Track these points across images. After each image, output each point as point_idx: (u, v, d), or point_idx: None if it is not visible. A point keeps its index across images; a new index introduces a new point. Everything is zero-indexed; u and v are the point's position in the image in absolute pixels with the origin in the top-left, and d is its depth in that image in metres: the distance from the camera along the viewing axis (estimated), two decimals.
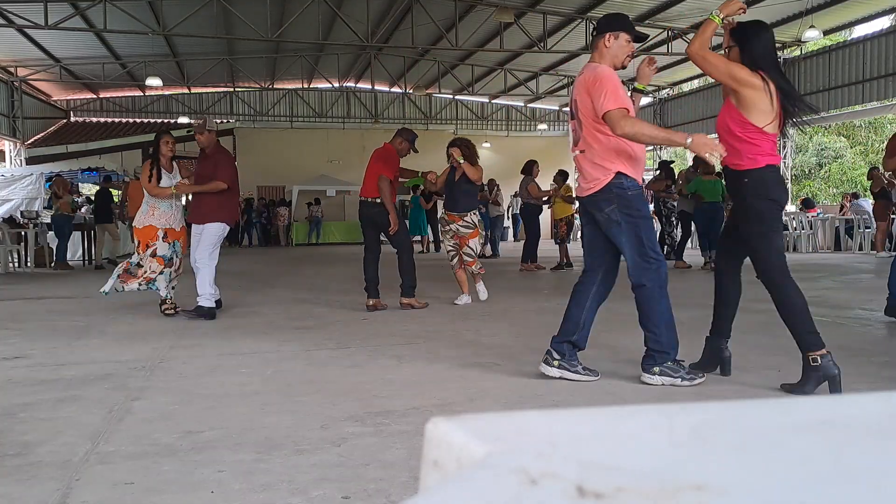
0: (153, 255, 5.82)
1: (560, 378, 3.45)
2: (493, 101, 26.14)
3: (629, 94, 3.52)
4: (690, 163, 11.30)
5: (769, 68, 3.27)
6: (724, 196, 10.87)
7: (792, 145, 19.66)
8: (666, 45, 17.27)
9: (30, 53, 18.00)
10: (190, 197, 6.35)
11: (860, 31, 17.43)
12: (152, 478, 2.23)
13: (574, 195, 12.38)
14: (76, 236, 13.18)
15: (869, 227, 14.15)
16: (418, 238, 16.14)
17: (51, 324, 5.69)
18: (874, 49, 15.53)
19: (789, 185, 18.76)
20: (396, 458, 2.37)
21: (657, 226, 10.85)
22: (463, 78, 22.69)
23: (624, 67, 3.48)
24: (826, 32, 16.20)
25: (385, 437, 2.60)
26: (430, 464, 0.42)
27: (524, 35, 17.11)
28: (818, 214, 15.96)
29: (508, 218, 20.66)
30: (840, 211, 16.40)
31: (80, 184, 17.32)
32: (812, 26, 14.57)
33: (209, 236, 5.82)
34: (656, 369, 3.35)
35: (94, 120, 23.44)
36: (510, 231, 22.56)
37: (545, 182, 11.75)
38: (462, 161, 6.44)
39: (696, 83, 22.60)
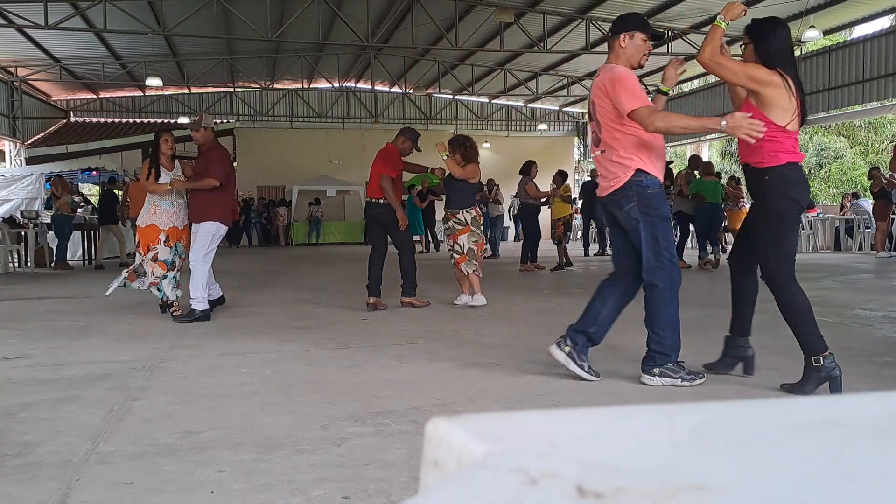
0: (154, 259, 5.80)
1: (563, 365, 3.44)
2: (493, 101, 26.13)
3: (653, 96, 3.51)
4: (689, 163, 11.30)
5: (786, 65, 3.23)
6: (723, 197, 10.90)
7: None
8: (666, 46, 17.26)
9: (30, 53, 18.01)
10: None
11: (860, 31, 17.44)
12: (152, 478, 2.23)
13: (572, 195, 12.41)
14: (76, 236, 13.19)
15: (869, 227, 14.16)
16: (417, 238, 16.14)
17: (51, 324, 5.69)
18: (874, 49, 15.53)
19: None
20: (396, 458, 2.37)
21: None
22: (463, 78, 22.69)
23: (641, 67, 3.47)
24: (826, 32, 16.19)
25: (385, 437, 2.60)
26: (430, 464, 0.42)
27: (524, 35, 17.11)
28: (818, 214, 15.97)
29: (510, 218, 20.66)
30: (840, 211, 16.40)
31: (80, 184, 17.31)
32: (812, 26, 14.57)
33: (202, 236, 5.78)
34: (656, 370, 3.34)
35: (94, 120, 23.45)
36: (510, 231, 22.56)
37: (545, 182, 11.75)
38: (446, 157, 6.36)
39: (696, 83, 22.59)
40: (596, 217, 14.08)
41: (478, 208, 6.69)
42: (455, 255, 6.49)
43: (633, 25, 3.45)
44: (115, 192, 12.78)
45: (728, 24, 3.28)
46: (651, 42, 3.49)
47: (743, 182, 17.34)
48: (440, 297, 6.96)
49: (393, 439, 2.58)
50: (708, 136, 21.59)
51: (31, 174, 14.84)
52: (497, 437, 0.40)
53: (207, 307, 5.76)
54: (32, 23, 14.50)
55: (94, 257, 12.93)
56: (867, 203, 14.33)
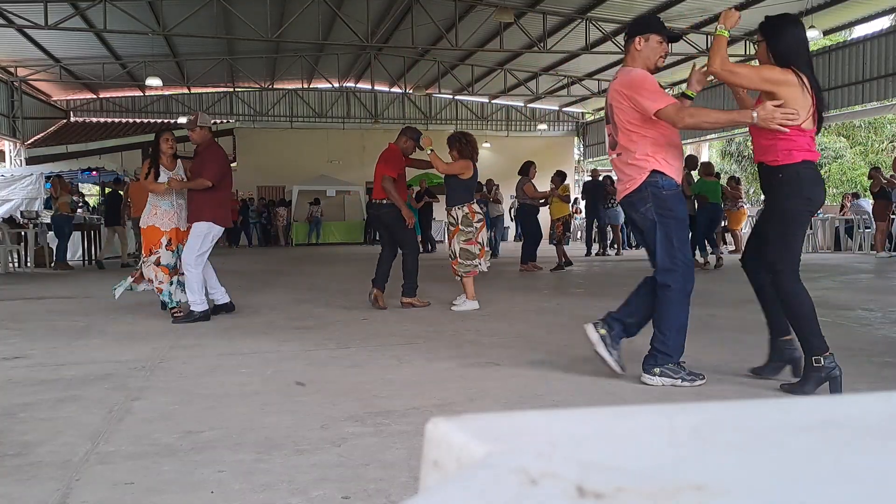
0: (157, 263, 5.79)
1: (594, 346, 3.46)
2: (493, 102, 26.14)
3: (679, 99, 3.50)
4: (686, 164, 11.30)
5: (800, 63, 3.19)
6: (722, 197, 10.91)
7: None
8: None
9: (30, 53, 18.01)
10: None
11: (860, 31, 17.44)
12: (152, 478, 2.23)
13: (570, 195, 12.40)
14: (76, 236, 13.19)
15: (869, 228, 14.16)
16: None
17: (51, 324, 5.69)
18: (874, 49, 15.53)
19: None
20: (396, 458, 2.37)
21: None
22: (463, 78, 22.70)
23: (658, 69, 3.46)
24: (826, 32, 16.19)
25: (385, 437, 2.60)
26: (430, 464, 0.42)
27: (524, 35, 17.11)
28: (818, 214, 15.95)
29: (511, 219, 20.66)
30: (840, 211, 16.41)
31: (79, 184, 17.32)
32: (812, 26, 14.55)
33: (194, 236, 5.72)
34: (657, 370, 3.34)
35: (94, 120, 23.45)
36: (510, 231, 22.56)
37: (545, 183, 11.75)
38: (430, 151, 6.26)
39: None
40: (599, 217, 14.09)
41: (472, 205, 6.33)
42: (450, 257, 6.39)
43: (647, 28, 3.44)
44: (120, 192, 12.79)
45: (729, 32, 3.27)
46: (667, 43, 3.48)
47: (743, 182, 17.31)
48: (440, 297, 6.96)
49: (393, 439, 2.58)
50: (708, 136, 21.58)
51: (31, 174, 14.84)
52: (497, 437, 0.40)
53: (206, 308, 5.75)
54: (32, 23, 14.51)
55: (94, 257, 12.93)
56: (867, 203, 14.33)
